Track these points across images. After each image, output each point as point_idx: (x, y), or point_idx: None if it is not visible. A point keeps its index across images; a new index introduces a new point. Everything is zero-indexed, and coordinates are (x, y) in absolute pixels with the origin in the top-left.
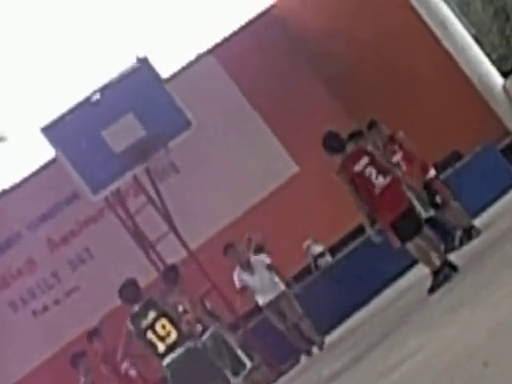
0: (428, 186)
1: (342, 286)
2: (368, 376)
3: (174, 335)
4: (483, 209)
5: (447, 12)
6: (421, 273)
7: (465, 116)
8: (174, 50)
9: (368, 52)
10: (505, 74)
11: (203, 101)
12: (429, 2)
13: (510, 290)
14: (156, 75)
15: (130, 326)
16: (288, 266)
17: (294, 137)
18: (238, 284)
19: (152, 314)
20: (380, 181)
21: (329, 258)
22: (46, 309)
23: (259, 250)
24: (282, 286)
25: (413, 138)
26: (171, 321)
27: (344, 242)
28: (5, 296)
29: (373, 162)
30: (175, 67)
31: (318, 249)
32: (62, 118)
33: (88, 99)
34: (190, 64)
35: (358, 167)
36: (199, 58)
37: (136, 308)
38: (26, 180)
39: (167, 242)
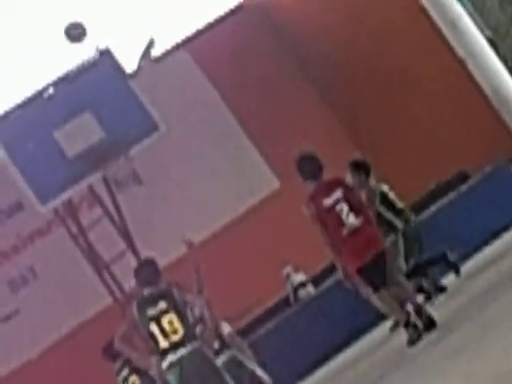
0: None
1: (324, 323)
2: None
3: (179, 334)
4: (488, 241)
5: (459, 10)
6: None
7: (475, 131)
8: (141, 40)
9: (367, 55)
10: None
11: (174, 102)
12: None
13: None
14: (119, 69)
15: (135, 311)
16: (263, 296)
17: (276, 148)
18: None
19: (162, 305)
20: (351, 220)
21: (311, 289)
22: None
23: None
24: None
25: (413, 156)
26: (181, 318)
27: (329, 271)
28: None
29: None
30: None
31: (298, 278)
32: (7, 114)
33: (39, 94)
34: (161, 58)
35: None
36: (171, 52)
37: (146, 292)
38: None
39: (124, 263)
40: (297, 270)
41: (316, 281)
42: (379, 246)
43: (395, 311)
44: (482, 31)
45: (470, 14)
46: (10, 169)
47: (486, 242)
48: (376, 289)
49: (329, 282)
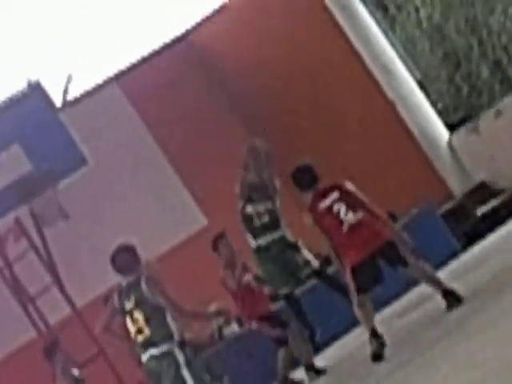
0: None
1: (250, 362)
2: None
3: (145, 334)
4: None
5: (391, 53)
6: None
7: (403, 174)
8: (72, 73)
9: (299, 93)
10: (451, 128)
11: (104, 137)
12: (370, 40)
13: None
14: (49, 102)
15: (116, 302)
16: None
17: (206, 186)
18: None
19: (133, 300)
20: (350, 217)
21: (235, 327)
22: None
23: None
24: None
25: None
26: (147, 318)
27: None
28: None
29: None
30: (72, 94)
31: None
32: None
33: None
34: (91, 92)
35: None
36: (102, 85)
37: (124, 283)
38: None
39: (50, 297)
40: (222, 308)
41: (240, 319)
42: (381, 239)
43: (369, 319)
44: (412, 74)
45: (401, 57)
46: None
47: (402, 292)
48: (360, 291)
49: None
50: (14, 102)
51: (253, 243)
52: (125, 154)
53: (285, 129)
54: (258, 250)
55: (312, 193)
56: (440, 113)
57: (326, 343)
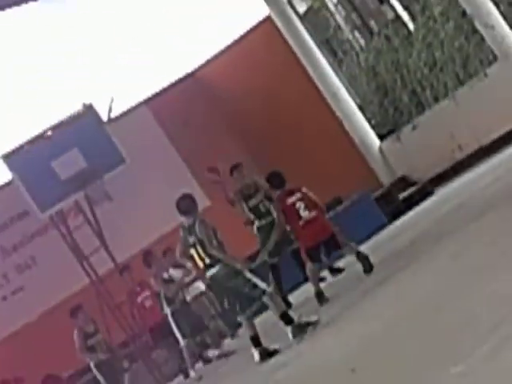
0: None
1: None
2: (258, 373)
3: (207, 261)
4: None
5: (338, 83)
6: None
7: (347, 169)
8: (115, 98)
9: (272, 115)
10: (381, 137)
11: (136, 143)
12: (324, 75)
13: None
14: (98, 118)
15: (182, 235)
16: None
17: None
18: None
19: (194, 236)
20: (305, 214)
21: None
22: None
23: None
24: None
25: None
26: (204, 249)
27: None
28: None
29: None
30: (115, 113)
31: None
32: (19, 148)
33: (42, 135)
34: (128, 111)
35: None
36: (135, 107)
37: (186, 223)
38: None
39: (98, 256)
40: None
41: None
42: (328, 232)
43: (316, 282)
44: (353, 99)
45: (346, 88)
46: (21, 188)
47: None
48: (312, 260)
49: None
50: (74, 118)
51: (257, 223)
52: (151, 155)
53: (262, 140)
54: (259, 228)
55: (280, 191)
56: (373, 127)
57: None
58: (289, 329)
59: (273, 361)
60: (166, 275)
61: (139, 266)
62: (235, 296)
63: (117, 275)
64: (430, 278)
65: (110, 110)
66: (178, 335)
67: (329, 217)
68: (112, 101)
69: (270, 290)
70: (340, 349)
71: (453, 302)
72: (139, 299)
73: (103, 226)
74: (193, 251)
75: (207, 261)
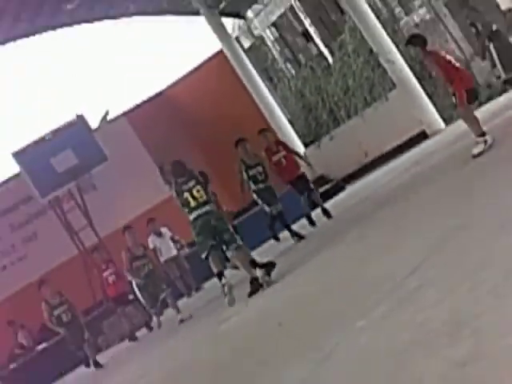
0: None
1: None
2: (209, 323)
3: (203, 198)
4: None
5: (273, 103)
6: None
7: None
8: (99, 110)
9: (221, 126)
10: (306, 145)
11: (117, 145)
12: (262, 96)
13: (306, 273)
14: (88, 126)
15: (173, 191)
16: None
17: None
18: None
19: (191, 183)
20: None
21: None
22: (4, 268)
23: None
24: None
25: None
26: (204, 189)
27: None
28: None
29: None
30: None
31: None
32: (25, 147)
33: (43, 137)
34: (111, 120)
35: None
36: (117, 117)
37: (179, 180)
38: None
39: (85, 232)
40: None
41: None
42: (297, 173)
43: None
44: (285, 115)
45: (279, 105)
46: (26, 178)
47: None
48: (300, 192)
49: None
50: (69, 125)
51: (253, 187)
52: (127, 155)
53: (213, 144)
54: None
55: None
56: (300, 136)
57: None
58: (259, 271)
59: (220, 316)
60: (138, 252)
61: (115, 242)
62: (218, 234)
63: (102, 248)
64: (340, 254)
65: (104, 119)
66: (143, 301)
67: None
68: (107, 113)
69: (240, 243)
70: (271, 306)
71: (360, 272)
72: (105, 275)
73: (90, 209)
74: (187, 195)
75: (203, 199)
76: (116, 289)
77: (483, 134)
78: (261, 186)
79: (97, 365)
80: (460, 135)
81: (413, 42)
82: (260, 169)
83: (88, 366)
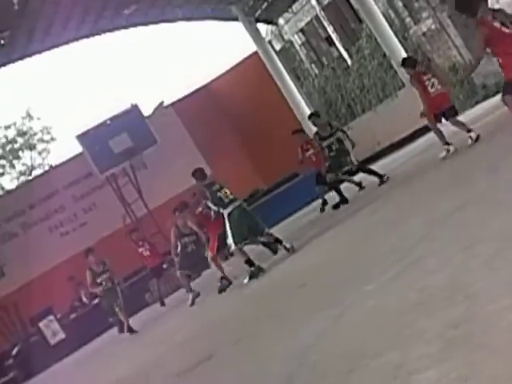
0: None
1: None
2: (231, 290)
3: (232, 196)
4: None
5: (300, 99)
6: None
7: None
8: (152, 101)
9: (257, 117)
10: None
11: (166, 130)
12: (291, 92)
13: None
14: (141, 113)
15: (206, 190)
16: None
17: (214, 157)
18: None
19: (217, 185)
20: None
21: None
22: (67, 233)
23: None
24: None
25: (273, 165)
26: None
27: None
28: (46, 223)
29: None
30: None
31: None
32: (88, 131)
33: (103, 122)
34: (161, 109)
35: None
36: (166, 107)
37: (205, 182)
38: (65, 162)
39: (137, 204)
40: None
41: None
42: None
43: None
44: (309, 109)
45: (305, 101)
46: (88, 157)
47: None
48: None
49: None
50: (125, 113)
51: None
52: (174, 140)
53: (251, 133)
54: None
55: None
56: None
57: None
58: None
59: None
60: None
61: (161, 213)
62: (247, 226)
63: (150, 218)
64: (357, 226)
65: (158, 108)
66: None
67: (288, 185)
68: (162, 103)
69: (267, 230)
70: (294, 271)
71: (368, 243)
72: (140, 250)
73: (141, 185)
74: (220, 194)
75: (231, 197)
76: (150, 262)
77: (469, 131)
78: (332, 154)
79: (130, 330)
80: (458, 131)
81: (405, 64)
82: (332, 139)
83: (122, 331)
